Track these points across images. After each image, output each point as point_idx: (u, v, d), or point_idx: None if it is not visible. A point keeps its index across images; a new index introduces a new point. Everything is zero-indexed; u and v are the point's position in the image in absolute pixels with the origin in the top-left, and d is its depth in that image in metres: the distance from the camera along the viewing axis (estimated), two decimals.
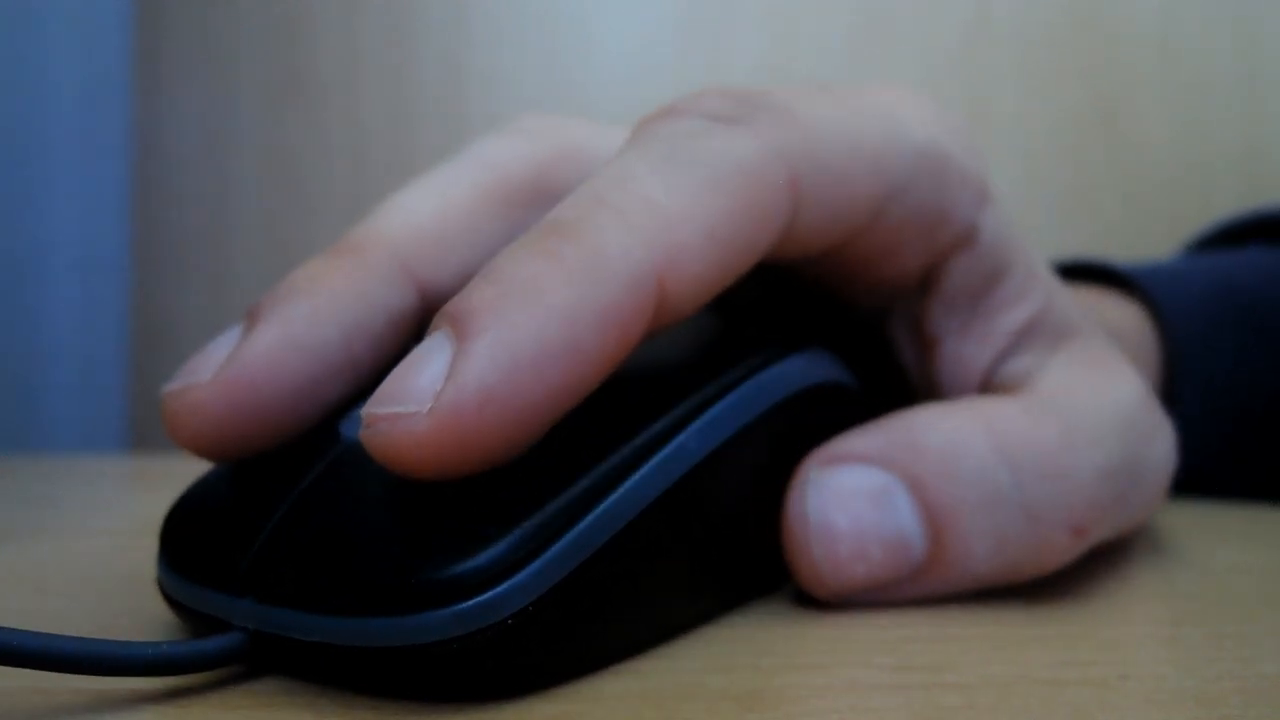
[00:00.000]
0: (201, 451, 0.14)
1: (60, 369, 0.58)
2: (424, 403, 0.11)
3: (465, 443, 0.11)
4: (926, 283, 0.18)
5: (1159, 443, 0.18)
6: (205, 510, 0.14)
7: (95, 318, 0.62)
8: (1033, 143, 0.61)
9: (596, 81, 0.63)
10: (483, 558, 0.11)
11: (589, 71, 0.63)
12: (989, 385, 0.18)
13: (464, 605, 0.11)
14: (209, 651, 0.12)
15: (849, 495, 0.15)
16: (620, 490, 0.12)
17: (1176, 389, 0.29)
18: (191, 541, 0.13)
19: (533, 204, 0.18)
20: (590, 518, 0.12)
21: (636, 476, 0.13)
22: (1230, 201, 0.46)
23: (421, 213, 0.17)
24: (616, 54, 0.63)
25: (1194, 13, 0.60)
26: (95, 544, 0.21)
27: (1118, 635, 0.15)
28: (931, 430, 0.16)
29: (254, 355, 0.14)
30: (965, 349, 0.18)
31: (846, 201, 0.16)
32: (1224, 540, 0.22)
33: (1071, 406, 0.17)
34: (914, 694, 0.12)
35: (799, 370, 0.16)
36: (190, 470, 0.15)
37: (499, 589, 0.11)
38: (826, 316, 0.19)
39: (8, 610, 0.15)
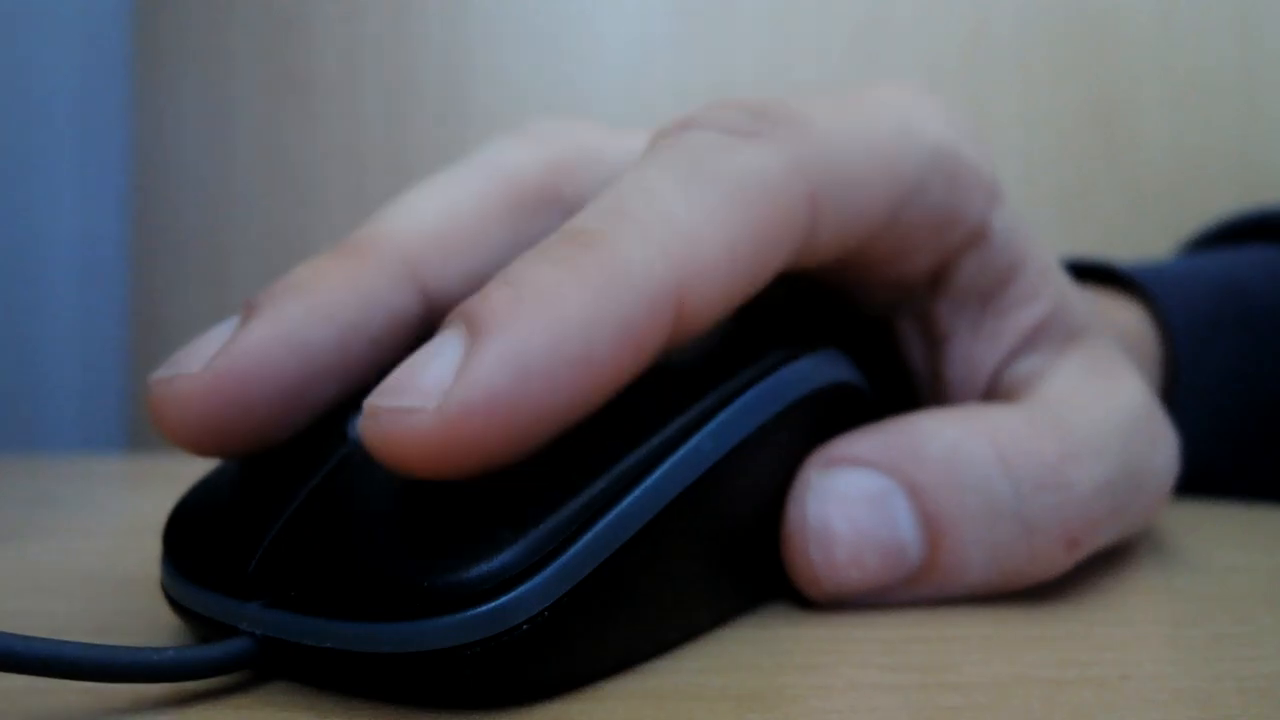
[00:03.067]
0: (185, 444, 0.14)
1: (60, 369, 0.58)
2: (430, 399, 0.11)
3: (468, 444, 0.11)
4: (936, 281, 0.18)
5: (1161, 451, 0.18)
6: (209, 512, 0.14)
7: (95, 318, 0.62)
8: (1033, 143, 0.61)
9: (596, 81, 0.63)
10: (497, 561, 0.11)
11: (589, 71, 0.63)
12: (996, 386, 0.18)
13: (479, 610, 0.11)
14: (216, 657, 0.11)
15: (848, 499, 0.15)
16: (636, 492, 0.12)
17: (1177, 390, 0.29)
18: (196, 544, 0.13)
19: (541, 211, 0.18)
20: (606, 520, 0.12)
21: (652, 478, 0.13)
22: (1230, 201, 0.46)
23: (428, 216, 0.17)
24: (617, 54, 0.63)
25: (1194, 13, 0.60)
26: (95, 544, 0.21)
27: (1118, 635, 0.15)
28: (934, 437, 0.16)
29: (246, 350, 0.14)
30: (975, 348, 0.18)
31: (863, 209, 0.16)
32: (1224, 540, 0.22)
33: (1075, 417, 0.17)
34: (914, 694, 0.12)
35: (813, 371, 0.16)
36: (190, 471, 0.15)
37: (515, 593, 0.11)
38: (834, 316, 0.19)
39: (7, 611, 0.15)
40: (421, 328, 0.16)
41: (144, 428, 0.62)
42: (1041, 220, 0.60)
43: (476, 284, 0.16)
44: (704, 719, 0.11)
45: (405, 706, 0.11)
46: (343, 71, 0.64)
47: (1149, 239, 0.52)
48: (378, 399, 0.11)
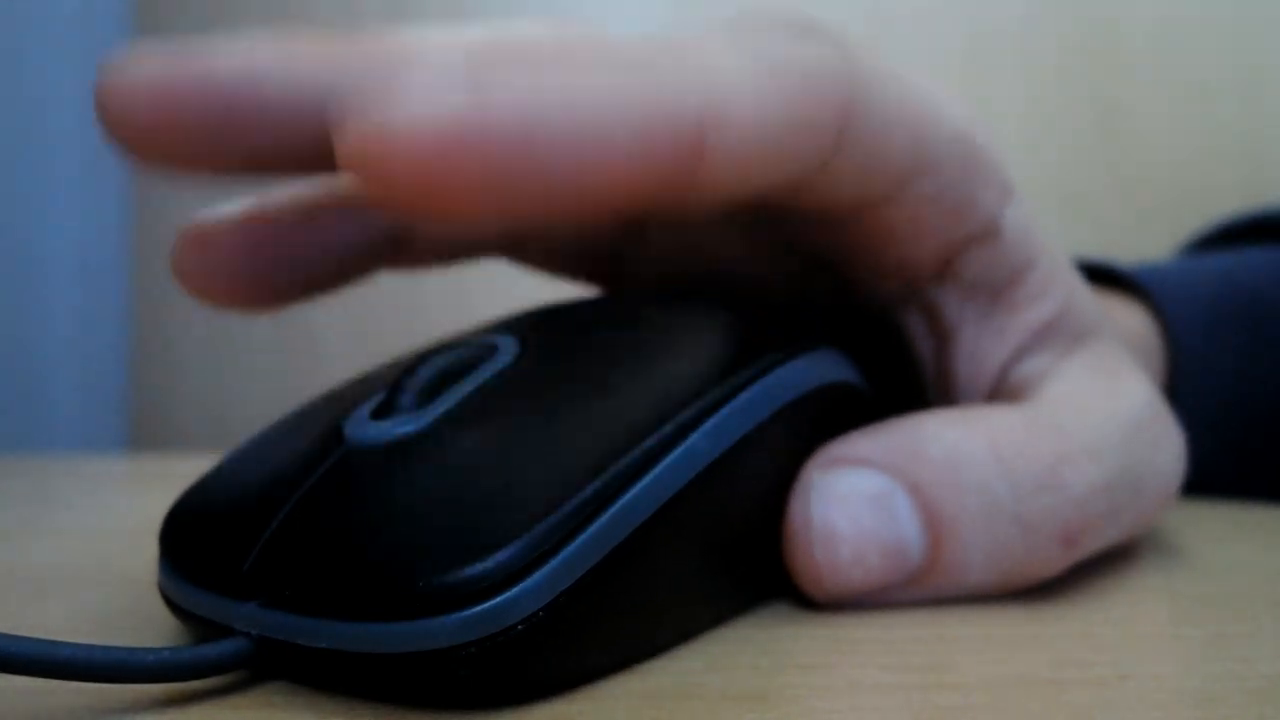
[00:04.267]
0: (120, 115, 0.14)
1: (60, 369, 0.58)
2: (436, 90, 0.10)
3: (461, 154, 0.10)
4: (943, 272, 0.18)
5: (1165, 452, 0.18)
6: (206, 512, 0.14)
7: (95, 319, 0.62)
8: (1033, 144, 0.61)
9: None
10: (493, 561, 0.11)
11: None
12: (1002, 384, 0.18)
13: (475, 610, 0.11)
14: (212, 657, 0.11)
15: (851, 499, 0.15)
16: (631, 493, 0.12)
17: (1178, 390, 0.29)
18: (192, 544, 0.13)
19: None
20: (602, 520, 0.12)
21: (647, 479, 0.13)
22: (1230, 202, 0.46)
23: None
24: None
25: (1194, 13, 0.60)
26: (95, 544, 0.21)
27: (1118, 635, 0.15)
28: (934, 439, 0.16)
29: (198, 51, 0.14)
30: (983, 341, 0.18)
31: (884, 154, 0.16)
32: (1224, 540, 0.22)
33: (1074, 419, 0.17)
34: (914, 694, 0.12)
35: (809, 371, 0.16)
36: (190, 471, 0.15)
37: (511, 593, 0.11)
38: (839, 314, 0.19)
39: (6, 611, 0.15)
40: None
41: (144, 428, 0.62)
42: (1041, 220, 0.60)
43: None
44: (704, 719, 0.11)
45: (403, 706, 0.11)
46: None
47: (1149, 239, 0.52)
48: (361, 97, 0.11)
